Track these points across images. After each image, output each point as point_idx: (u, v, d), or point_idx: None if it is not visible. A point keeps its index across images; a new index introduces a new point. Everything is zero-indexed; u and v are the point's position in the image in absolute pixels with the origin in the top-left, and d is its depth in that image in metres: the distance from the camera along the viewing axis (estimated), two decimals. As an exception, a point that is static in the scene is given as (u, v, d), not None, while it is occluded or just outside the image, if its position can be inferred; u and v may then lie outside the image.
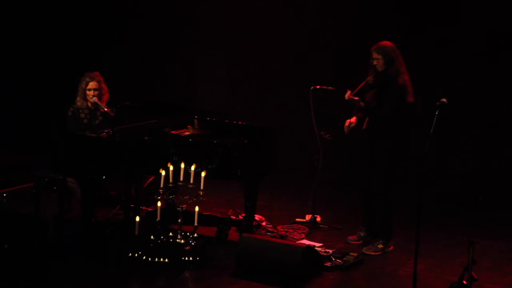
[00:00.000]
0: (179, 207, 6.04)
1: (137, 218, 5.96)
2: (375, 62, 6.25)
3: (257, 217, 6.89)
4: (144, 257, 5.91)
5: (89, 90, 6.81)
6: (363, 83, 6.26)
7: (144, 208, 7.18)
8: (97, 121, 6.88)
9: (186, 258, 5.92)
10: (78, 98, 6.87)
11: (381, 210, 6.37)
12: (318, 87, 6.87)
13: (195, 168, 6.06)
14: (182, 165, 6.08)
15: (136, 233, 5.95)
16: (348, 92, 6.21)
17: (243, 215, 6.76)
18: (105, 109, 6.72)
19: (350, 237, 6.66)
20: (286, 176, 8.25)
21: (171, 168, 6.05)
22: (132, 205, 6.85)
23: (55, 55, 9.67)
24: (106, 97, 6.86)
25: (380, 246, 6.38)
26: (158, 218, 6.01)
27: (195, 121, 6.92)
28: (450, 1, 8.26)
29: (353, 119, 6.39)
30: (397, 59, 6.21)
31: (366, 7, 8.61)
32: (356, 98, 6.22)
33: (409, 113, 6.26)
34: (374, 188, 6.37)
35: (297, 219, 7.20)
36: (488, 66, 8.10)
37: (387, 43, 6.26)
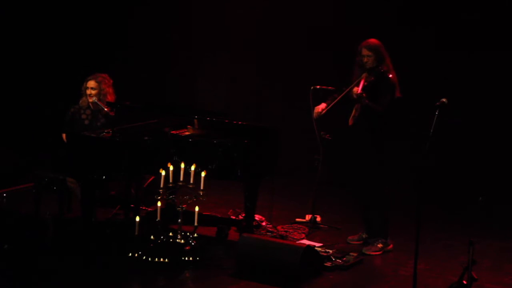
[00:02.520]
0: (179, 207, 6.04)
1: (137, 218, 5.96)
2: (365, 59, 6.29)
3: (257, 217, 6.89)
4: (144, 257, 5.91)
5: (87, 88, 6.85)
6: (363, 80, 6.25)
7: (144, 208, 7.18)
8: (98, 123, 6.88)
9: (186, 258, 5.92)
10: (83, 97, 6.91)
11: (376, 209, 6.37)
12: (318, 87, 6.86)
13: (195, 168, 6.06)
14: (182, 165, 6.08)
15: (136, 233, 5.96)
16: (356, 89, 6.20)
17: (243, 215, 6.76)
18: (105, 109, 6.73)
19: (350, 237, 6.66)
20: (286, 176, 8.25)
21: (171, 168, 6.05)
22: (132, 205, 6.85)
23: (57, 55, 9.66)
24: (110, 99, 6.84)
25: (380, 245, 6.38)
26: (158, 218, 6.01)
27: (195, 121, 6.92)
28: (451, 1, 8.27)
29: (324, 106, 6.45)
30: (387, 56, 6.27)
31: (366, 7, 8.61)
32: (364, 94, 6.23)
33: (396, 108, 6.32)
34: (367, 186, 6.38)
35: (297, 219, 7.20)
36: (488, 66, 8.10)
37: (375, 40, 6.32)
